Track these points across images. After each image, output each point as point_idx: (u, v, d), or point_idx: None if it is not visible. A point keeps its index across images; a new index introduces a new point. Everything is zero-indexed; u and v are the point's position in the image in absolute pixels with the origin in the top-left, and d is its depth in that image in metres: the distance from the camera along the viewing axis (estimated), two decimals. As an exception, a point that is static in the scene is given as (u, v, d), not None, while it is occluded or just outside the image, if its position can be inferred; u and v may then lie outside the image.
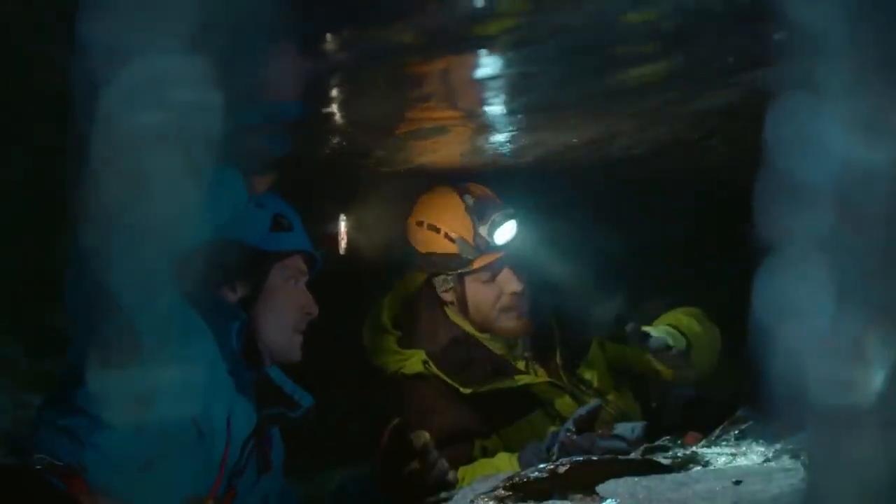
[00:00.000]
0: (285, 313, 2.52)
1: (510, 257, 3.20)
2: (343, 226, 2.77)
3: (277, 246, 2.52)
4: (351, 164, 2.82)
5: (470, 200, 3.20)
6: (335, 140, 2.49)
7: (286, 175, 2.85)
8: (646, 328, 3.00)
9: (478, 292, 3.26)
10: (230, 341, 2.38)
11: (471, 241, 3.17)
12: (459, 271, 3.24)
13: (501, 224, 3.15)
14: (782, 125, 1.32)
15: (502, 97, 2.15)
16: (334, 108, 2.14)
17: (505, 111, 2.30)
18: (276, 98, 2.10)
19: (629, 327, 2.92)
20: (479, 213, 3.17)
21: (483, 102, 2.20)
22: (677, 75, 2.03)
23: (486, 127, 2.51)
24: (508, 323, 3.26)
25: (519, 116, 2.38)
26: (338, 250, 2.76)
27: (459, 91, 2.09)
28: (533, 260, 3.28)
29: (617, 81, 2.00)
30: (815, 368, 1.30)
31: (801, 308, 1.31)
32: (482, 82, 1.99)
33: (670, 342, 2.96)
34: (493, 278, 3.23)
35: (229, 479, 2.29)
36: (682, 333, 3.06)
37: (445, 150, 2.79)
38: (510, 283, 3.22)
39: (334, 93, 2.03)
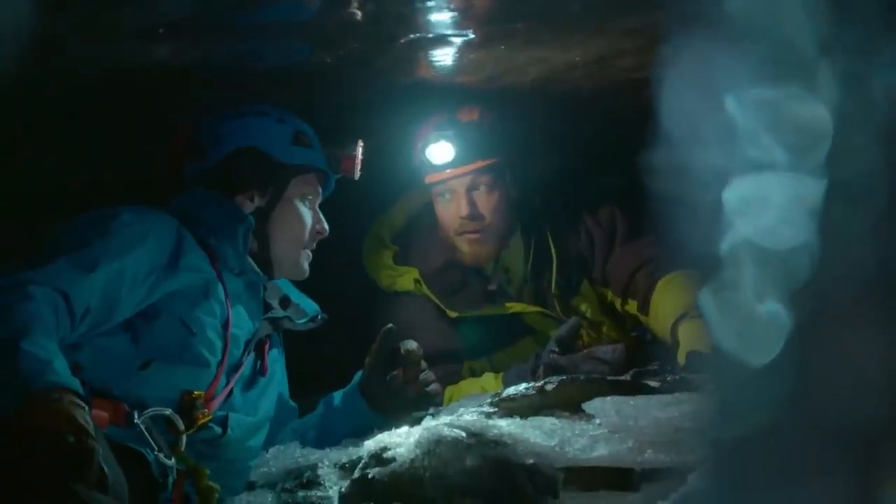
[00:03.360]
0: (298, 229, 2.58)
1: (472, 180, 3.18)
2: (360, 149, 2.71)
3: (298, 159, 2.58)
4: (355, 75, 2.76)
5: (437, 118, 3.17)
6: (347, 46, 2.44)
7: (294, 87, 2.82)
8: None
9: (440, 211, 3.26)
10: (237, 243, 2.43)
11: (422, 157, 3.17)
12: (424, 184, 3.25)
13: (433, 143, 3.12)
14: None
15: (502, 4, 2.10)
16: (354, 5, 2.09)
17: (504, 20, 2.25)
18: None
19: (569, 324, 2.86)
20: (426, 131, 3.17)
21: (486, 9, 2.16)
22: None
23: (486, 39, 2.45)
24: (464, 246, 3.23)
25: (518, 25, 2.32)
26: (353, 176, 2.72)
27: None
28: (517, 185, 3.25)
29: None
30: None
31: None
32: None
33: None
34: (450, 198, 3.22)
35: (227, 375, 2.32)
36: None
37: (446, 64, 2.74)
38: (461, 205, 3.19)
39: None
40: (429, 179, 3.21)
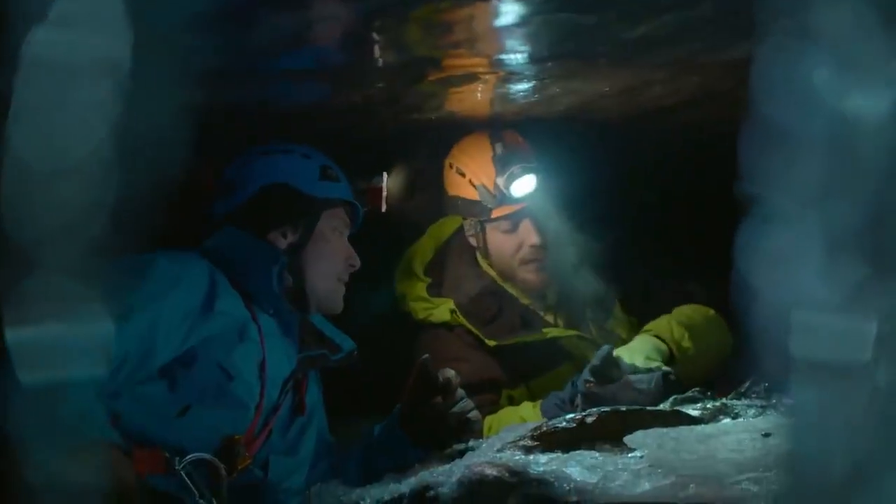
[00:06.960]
0: (331, 262, 2.59)
1: (532, 210, 3.17)
2: (385, 182, 2.74)
3: (327, 193, 2.59)
4: (381, 113, 2.79)
5: (500, 149, 3.16)
6: (372, 87, 2.46)
7: (321, 124, 2.84)
8: (618, 352, 2.84)
9: (498, 241, 3.25)
10: (271, 283, 2.43)
11: (491, 189, 3.15)
12: (480, 219, 3.23)
13: (519, 177, 3.11)
14: (770, 70, 1.27)
15: (532, 44, 2.11)
16: (377, 53, 2.12)
17: (534, 58, 2.26)
18: (318, 42, 2.06)
19: (601, 353, 2.80)
20: (503, 163, 3.13)
21: (513, 50, 2.17)
22: (707, 23, 1.98)
23: (515, 74, 2.47)
24: (527, 275, 3.24)
25: (549, 64, 2.34)
26: (380, 208, 2.75)
27: (487, 38, 2.06)
28: (560, 214, 3.25)
29: (647, 30, 1.96)
30: (802, 321, 1.23)
31: (788, 259, 1.26)
32: (512, 29, 1.95)
33: (640, 364, 2.81)
34: (514, 229, 3.21)
35: (266, 417, 2.33)
36: (666, 343, 2.95)
37: (474, 98, 2.76)
38: (530, 235, 3.19)
39: (375, 37, 2.00)
40: (498, 213, 3.19)
